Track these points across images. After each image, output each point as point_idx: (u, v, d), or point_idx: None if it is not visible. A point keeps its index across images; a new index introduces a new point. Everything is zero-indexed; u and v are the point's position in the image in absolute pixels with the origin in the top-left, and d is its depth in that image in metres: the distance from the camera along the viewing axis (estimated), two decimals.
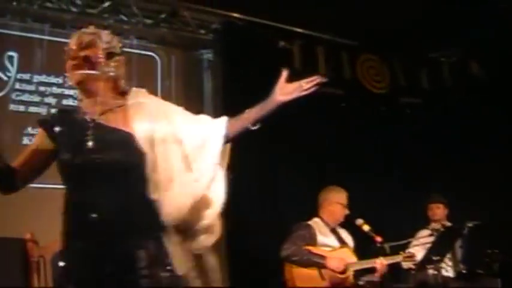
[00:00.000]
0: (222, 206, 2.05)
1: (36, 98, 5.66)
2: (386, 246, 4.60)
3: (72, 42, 2.05)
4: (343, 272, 4.56)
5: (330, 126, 6.43)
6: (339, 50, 6.86)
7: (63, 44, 2.13)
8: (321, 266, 4.56)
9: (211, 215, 2.02)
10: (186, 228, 1.99)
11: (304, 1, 5.64)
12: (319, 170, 6.34)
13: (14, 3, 5.61)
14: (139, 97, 2.10)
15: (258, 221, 5.79)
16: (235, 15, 6.22)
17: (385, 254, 4.61)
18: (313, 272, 4.59)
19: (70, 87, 5.71)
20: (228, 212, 2.09)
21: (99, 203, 1.91)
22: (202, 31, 6.46)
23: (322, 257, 4.56)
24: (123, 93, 2.11)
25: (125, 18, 6.09)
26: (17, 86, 5.60)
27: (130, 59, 6.02)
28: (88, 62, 2.02)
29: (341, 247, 4.79)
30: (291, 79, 2.09)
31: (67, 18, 5.81)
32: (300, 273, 4.61)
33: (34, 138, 2.13)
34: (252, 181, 5.65)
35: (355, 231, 4.89)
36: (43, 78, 5.69)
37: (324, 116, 6.33)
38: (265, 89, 2.12)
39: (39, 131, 2.13)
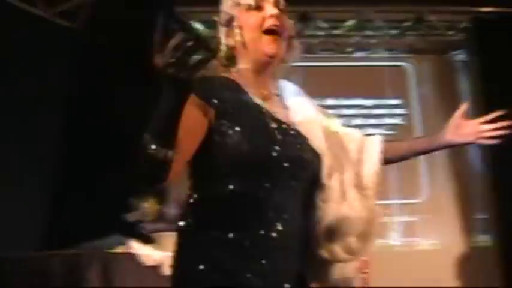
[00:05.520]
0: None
1: None
2: None
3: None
4: None
5: None
6: None
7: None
8: None
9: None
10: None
11: None
12: None
13: None
14: (285, 90, 1.70)
15: None
16: (485, 9, 5.81)
17: None
18: None
19: None
20: None
21: (287, 209, 1.49)
22: (451, 32, 6.17)
23: None
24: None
25: (371, 33, 6.10)
26: None
27: (382, 71, 6.09)
28: (285, 34, 1.59)
29: None
30: None
31: (314, 42, 6.03)
32: None
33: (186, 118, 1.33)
34: None
35: None
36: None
37: None
38: None
39: (192, 104, 1.40)
